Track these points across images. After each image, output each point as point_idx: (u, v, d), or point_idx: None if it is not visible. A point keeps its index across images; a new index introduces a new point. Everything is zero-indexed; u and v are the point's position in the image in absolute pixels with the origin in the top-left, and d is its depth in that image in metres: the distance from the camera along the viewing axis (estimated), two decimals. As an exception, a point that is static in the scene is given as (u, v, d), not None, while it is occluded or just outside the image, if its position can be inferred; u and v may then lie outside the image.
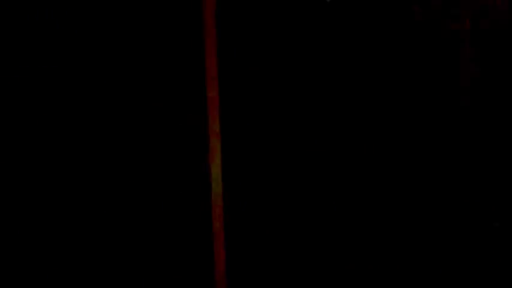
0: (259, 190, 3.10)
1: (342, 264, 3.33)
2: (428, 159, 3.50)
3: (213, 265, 2.87)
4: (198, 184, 2.88)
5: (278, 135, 3.18)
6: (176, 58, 2.86)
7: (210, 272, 2.88)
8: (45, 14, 2.76)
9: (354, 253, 3.35)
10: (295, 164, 3.24)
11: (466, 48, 3.53)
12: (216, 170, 2.87)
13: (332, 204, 3.32)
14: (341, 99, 3.39)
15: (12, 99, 2.76)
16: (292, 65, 3.24)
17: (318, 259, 3.28)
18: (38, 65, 2.79)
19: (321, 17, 3.39)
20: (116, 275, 2.85)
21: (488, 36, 3.44)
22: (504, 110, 3.49)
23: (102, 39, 2.81)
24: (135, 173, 2.85)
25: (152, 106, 2.85)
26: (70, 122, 2.81)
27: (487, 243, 3.39)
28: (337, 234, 3.35)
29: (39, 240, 2.81)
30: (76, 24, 2.80)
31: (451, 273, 3.35)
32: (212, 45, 2.79)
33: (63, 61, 2.83)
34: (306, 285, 3.23)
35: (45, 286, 2.82)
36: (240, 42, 3.05)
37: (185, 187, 2.88)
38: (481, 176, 3.47)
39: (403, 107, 3.53)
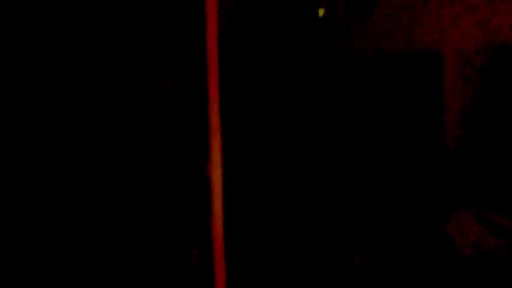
0: (258, 194, 3.08)
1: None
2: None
3: (213, 269, 2.83)
4: (199, 186, 2.85)
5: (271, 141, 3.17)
6: (177, 57, 2.84)
7: (209, 276, 2.85)
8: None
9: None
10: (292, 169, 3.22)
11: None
12: (216, 177, 2.84)
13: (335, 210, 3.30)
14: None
15: (8, 98, 2.74)
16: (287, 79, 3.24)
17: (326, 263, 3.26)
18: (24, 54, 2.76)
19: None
20: (112, 278, 2.82)
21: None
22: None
23: (104, 39, 2.79)
24: (134, 175, 2.82)
25: (153, 108, 2.83)
26: (68, 122, 2.78)
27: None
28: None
29: (36, 239, 2.78)
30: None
31: None
32: (213, 43, 2.76)
33: (59, 60, 2.80)
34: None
35: (42, 285, 2.78)
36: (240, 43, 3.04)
37: (185, 189, 2.85)
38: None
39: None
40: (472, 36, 3.76)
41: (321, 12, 3.92)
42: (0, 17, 2.65)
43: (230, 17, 3.07)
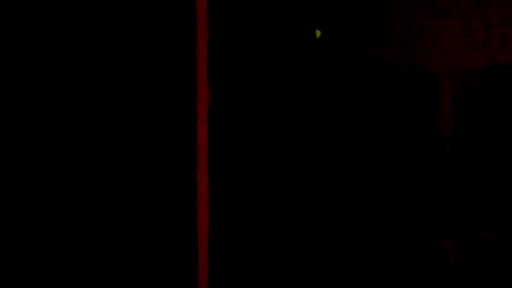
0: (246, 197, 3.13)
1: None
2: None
3: (196, 271, 2.90)
4: (184, 191, 2.91)
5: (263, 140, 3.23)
6: (167, 61, 2.92)
7: (192, 276, 2.90)
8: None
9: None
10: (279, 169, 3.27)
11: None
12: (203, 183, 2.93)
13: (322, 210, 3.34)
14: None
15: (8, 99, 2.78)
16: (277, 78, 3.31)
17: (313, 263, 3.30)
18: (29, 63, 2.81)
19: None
20: (103, 276, 2.85)
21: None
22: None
23: (103, 42, 2.86)
24: (123, 177, 2.87)
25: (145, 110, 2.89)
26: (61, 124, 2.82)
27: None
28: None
29: (27, 238, 2.81)
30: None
31: None
32: (203, 45, 2.89)
33: (60, 62, 2.86)
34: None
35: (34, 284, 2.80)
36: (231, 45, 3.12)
37: (171, 193, 2.90)
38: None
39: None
40: (467, 57, 3.85)
41: (318, 33, 4.06)
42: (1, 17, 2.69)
43: (229, 30, 3.18)
